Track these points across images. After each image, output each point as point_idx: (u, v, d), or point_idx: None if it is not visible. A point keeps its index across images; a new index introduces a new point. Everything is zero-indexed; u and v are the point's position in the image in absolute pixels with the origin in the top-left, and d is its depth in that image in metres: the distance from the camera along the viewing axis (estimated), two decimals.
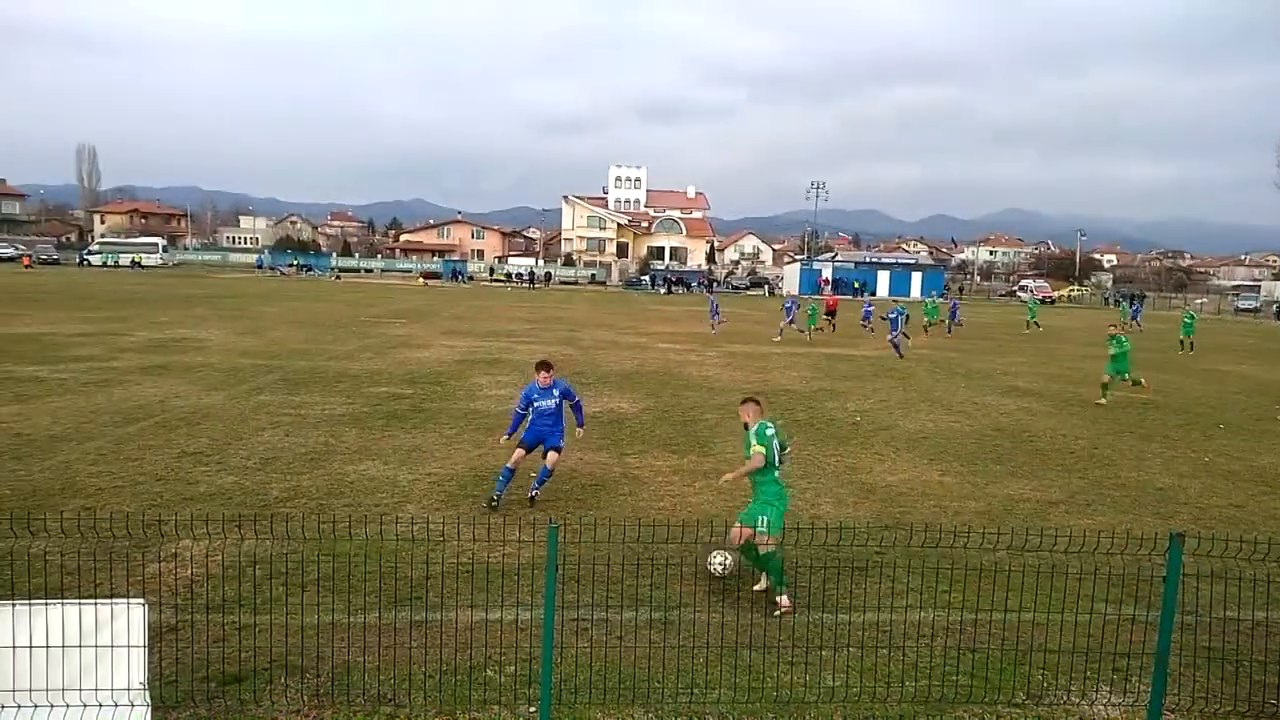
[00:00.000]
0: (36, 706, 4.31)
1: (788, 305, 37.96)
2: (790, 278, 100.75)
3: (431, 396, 18.48)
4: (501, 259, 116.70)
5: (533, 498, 10.70)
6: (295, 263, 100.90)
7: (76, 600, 4.41)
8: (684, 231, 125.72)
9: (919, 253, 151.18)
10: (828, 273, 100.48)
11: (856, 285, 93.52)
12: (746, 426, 8.30)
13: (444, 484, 11.68)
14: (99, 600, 4.46)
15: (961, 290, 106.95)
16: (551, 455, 10.77)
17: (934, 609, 7.79)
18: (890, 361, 28.36)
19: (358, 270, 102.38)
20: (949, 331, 43.39)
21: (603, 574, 7.81)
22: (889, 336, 30.85)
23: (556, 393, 10.82)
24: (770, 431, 8.10)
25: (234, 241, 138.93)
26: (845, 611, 7.67)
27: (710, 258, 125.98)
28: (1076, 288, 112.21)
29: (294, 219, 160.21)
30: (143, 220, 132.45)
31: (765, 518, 7.79)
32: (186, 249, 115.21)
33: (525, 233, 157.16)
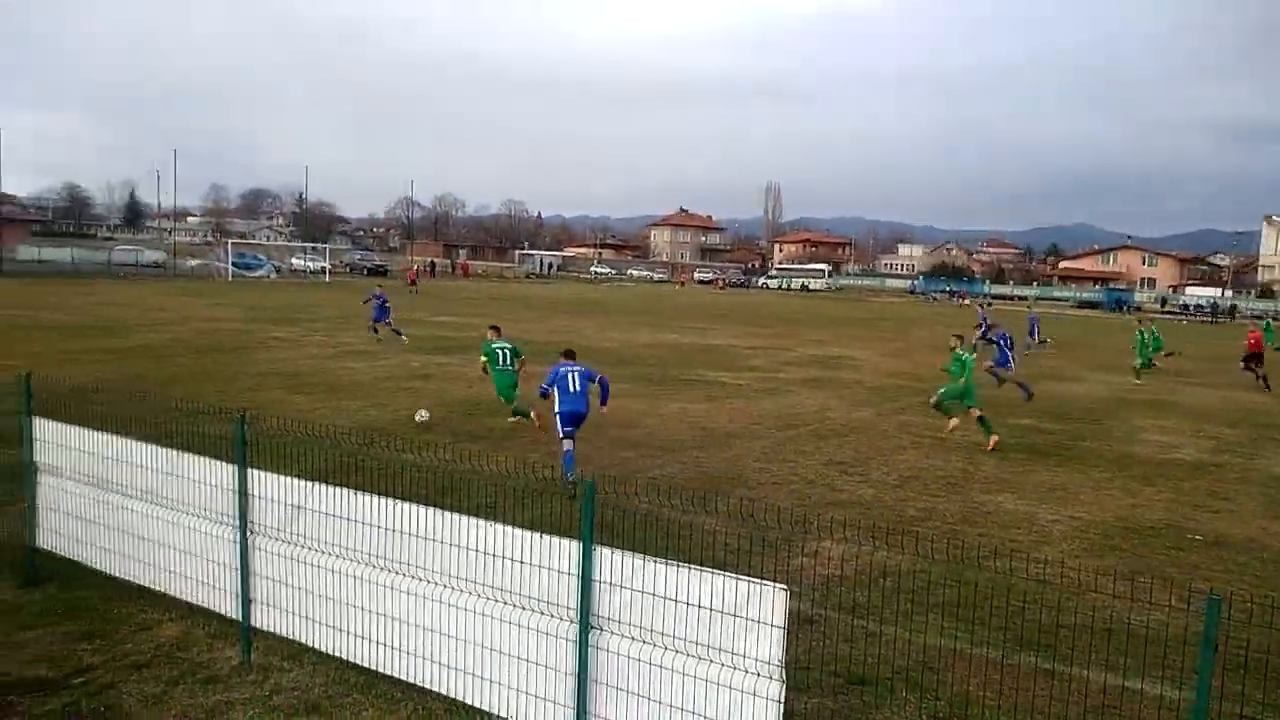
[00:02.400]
0: (699, 659, 5.03)
1: None
2: None
3: (1081, 434, 17.18)
4: (1175, 288, 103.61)
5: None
6: (948, 289, 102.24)
7: (734, 574, 5.02)
8: None
9: None
10: None
11: None
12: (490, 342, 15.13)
13: (1087, 530, 10.77)
14: (751, 579, 4.99)
15: None
16: None
17: None
18: None
19: (1010, 297, 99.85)
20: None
21: (1276, 667, 6.45)
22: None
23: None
24: (496, 345, 14.91)
25: (891, 268, 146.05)
26: None
27: None
28: None
29: (949, 246, 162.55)
30: (813, 248, 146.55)
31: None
32: (848, 274, 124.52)
33: (1210, 259, 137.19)
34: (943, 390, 16.00)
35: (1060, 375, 27.13)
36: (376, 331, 27.52)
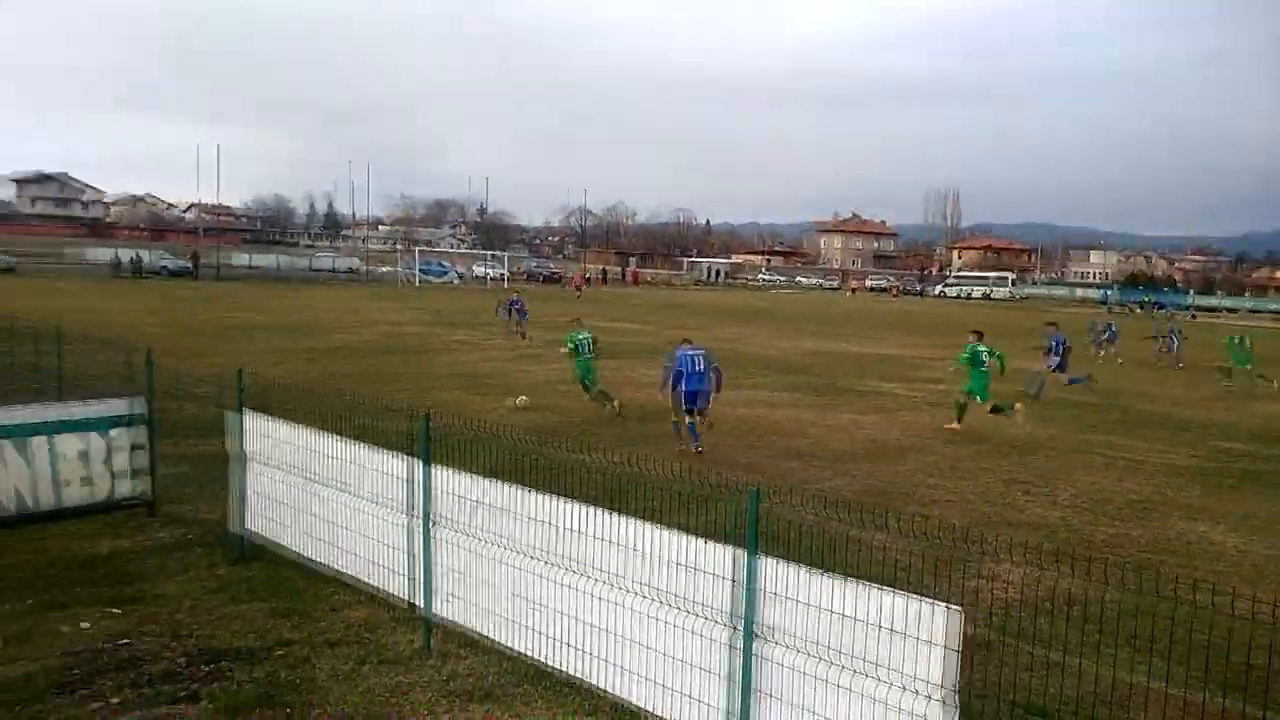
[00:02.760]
0: (865, 676, 4.91)
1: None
2: None
3: None
4: None
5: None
6: (1146, 299, 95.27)
7: (904, 592, 4.87)
8: None
9: None
10: None
11: None
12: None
13: None
14: (922, 597, 4.83)
15: None
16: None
17: None
18: None
19: (1218, 310, 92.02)
20: None
21: None
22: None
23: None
24: (580, 336, 16.94)
25: (1081, 276, 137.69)
26: None
27: None
28: None
29: (1147, 253, 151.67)
30: (995, 255, 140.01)
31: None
32: (1034, 283, 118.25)
33: None
34: (968, 388, 16.63)
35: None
36: (524, 336, 28.81)
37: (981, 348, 16.41)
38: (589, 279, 78.58)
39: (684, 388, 13.52)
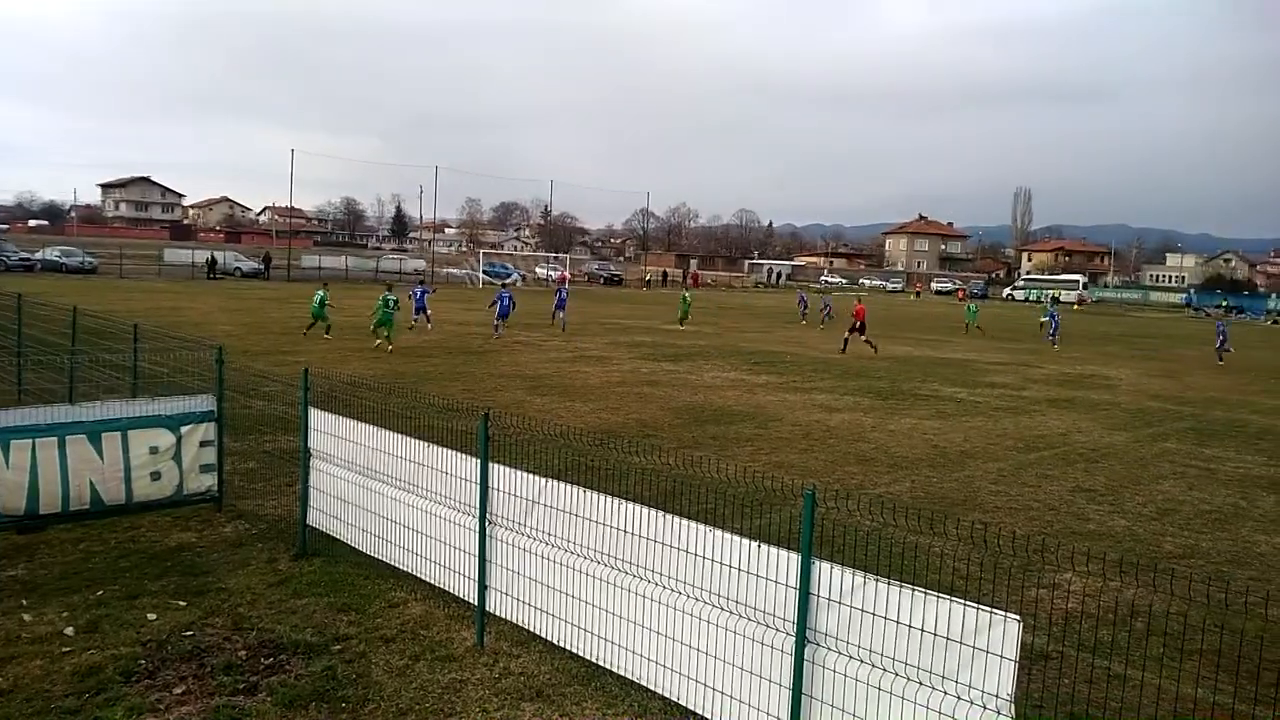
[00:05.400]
0: (920, 685, 4.84)
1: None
2: None
3: None
4: None
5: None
6: (1223, 304, 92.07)
7: (963, 600, 4.78)
8: None
9: None
10: None
11: None
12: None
13: None
14: (980, 606, 4.73)
15: None
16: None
17: None
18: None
19: None
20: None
21: None
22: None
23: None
24: (320, 294, 28.01)
25: (1157, 280, 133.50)
26: None
27: None
28: None
29: (1228, 256, 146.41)
30: (1066, 258, 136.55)
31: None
32: (1106, 286, 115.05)
33: None
34: (376, 319, 25.43)
35: None
36: (415, 321, 31.00)
37: (392, 296, 25.39)
38: (648, 279, 78.82)
39: (499, 310, 29.68)
